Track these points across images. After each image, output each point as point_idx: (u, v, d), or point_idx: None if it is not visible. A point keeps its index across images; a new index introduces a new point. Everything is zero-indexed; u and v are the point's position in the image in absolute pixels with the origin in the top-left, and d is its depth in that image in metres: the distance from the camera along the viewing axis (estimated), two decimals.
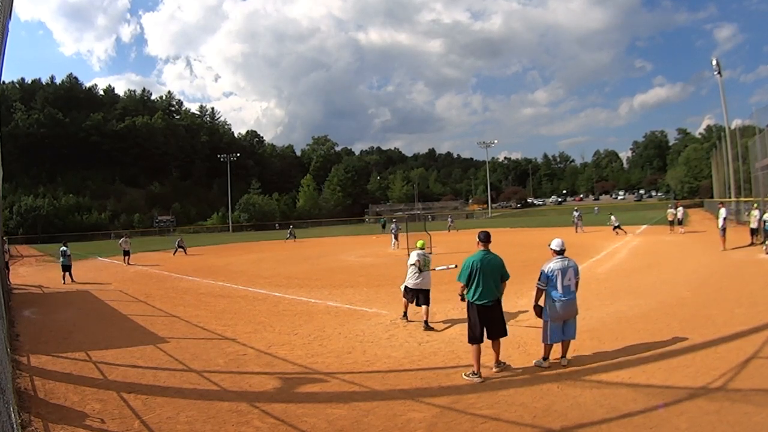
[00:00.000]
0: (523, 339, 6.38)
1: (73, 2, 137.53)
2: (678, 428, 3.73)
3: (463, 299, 5.40)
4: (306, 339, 7.00)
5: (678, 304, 7.87)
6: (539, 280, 5.34)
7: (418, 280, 7.49)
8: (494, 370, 5.23)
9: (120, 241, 22.36)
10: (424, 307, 7.37)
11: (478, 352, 5.07)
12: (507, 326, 5.36)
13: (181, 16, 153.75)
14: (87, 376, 5.70)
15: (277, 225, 65.89)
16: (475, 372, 5.05)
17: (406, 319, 7.74)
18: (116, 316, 9.51)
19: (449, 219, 42.10)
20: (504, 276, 5.27)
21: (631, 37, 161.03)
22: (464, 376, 5.16)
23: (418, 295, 7.48)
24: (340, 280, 12.79)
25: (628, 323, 6.80)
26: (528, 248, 19.06)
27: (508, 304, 8.39)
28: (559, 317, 5.24)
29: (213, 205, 79.25)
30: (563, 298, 5.22)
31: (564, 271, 5.26)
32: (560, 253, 5.39)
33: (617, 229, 23.04)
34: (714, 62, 27.82)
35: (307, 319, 8.27)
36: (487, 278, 5.11)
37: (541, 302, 5.38)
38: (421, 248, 7.83)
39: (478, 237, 5.42)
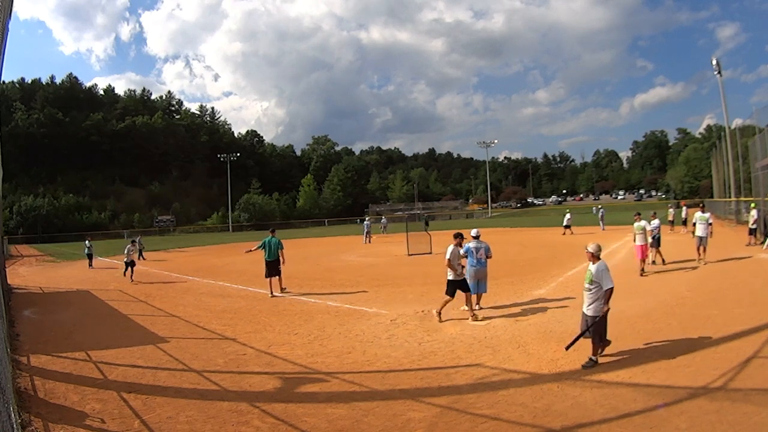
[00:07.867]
0: (524, 339, 6.39)
1: (71, 1, 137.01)
2: (678, 428, 3.74)
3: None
4: (306, 339, 7.01)
5: (678, 303, 7.87)
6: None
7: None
8: (284, 294, 10.71)
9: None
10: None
11: (270, 283, 10.76)
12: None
13: (180, 14, 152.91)
14: (87, 375, 5.70)
15: (358, 220, 66.40)
16: (272, 294, 10.67)
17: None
18: (116, 315, 9.51)
19: (383, 221, 35.58)
20: (280, 248, 10.96)
21: (633, 37, 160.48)
22: (269, 296, 10.50)
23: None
24: (340, 280, 12.78)
25: (628, 323, 6.78)
26: (529, 248, 19.05)
27: (507, 302, 8.41)
28: (473, 277, 8.02)
29: (213, 204, 79.15)
30: (476, 266, 8.11)
31: (477, 249, 8.20)
32: (476, 238, 8.33)
33: (567, 229, 23.58)
34: (714, 62, 27.80)
35: (307, 319, 8.27)
36: (271, 248, 10.84)
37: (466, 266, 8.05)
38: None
39: (269, 231, 11.69)
